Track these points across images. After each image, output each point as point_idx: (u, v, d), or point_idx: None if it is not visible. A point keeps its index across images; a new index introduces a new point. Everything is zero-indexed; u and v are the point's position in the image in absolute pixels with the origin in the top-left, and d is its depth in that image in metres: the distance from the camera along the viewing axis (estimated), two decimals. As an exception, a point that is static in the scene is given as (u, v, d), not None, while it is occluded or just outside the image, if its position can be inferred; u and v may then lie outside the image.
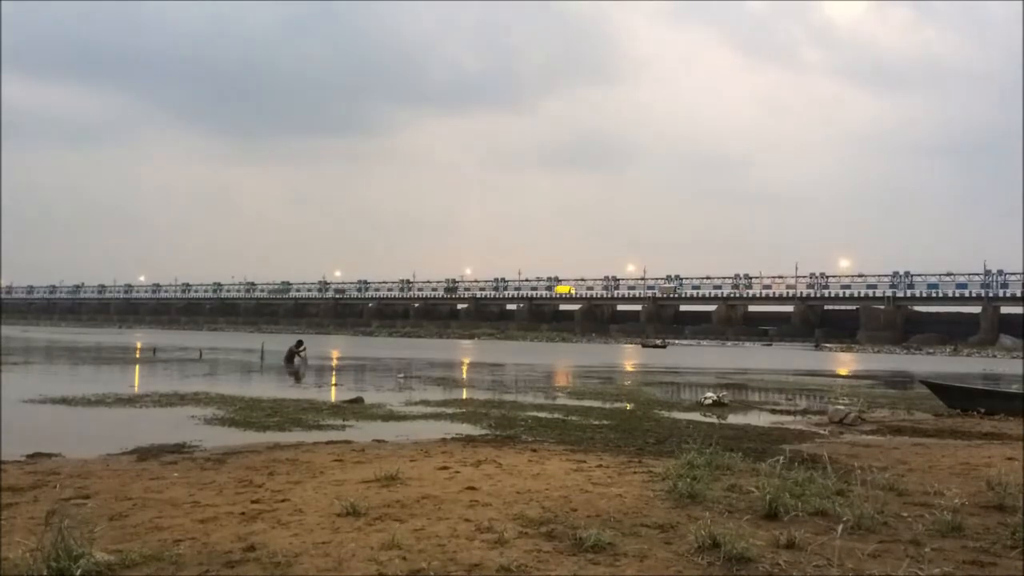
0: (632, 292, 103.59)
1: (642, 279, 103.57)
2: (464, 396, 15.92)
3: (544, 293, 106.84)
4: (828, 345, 74.83)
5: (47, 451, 7.88)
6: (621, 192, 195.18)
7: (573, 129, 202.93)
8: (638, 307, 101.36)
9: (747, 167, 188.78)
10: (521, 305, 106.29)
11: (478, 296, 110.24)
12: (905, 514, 5.16)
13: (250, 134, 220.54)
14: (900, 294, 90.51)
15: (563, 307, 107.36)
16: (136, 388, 16.51)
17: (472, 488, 5.84)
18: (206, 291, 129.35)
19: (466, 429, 10.44)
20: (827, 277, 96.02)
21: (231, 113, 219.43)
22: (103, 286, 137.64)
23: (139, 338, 54.05)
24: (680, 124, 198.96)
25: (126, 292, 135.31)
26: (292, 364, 25.23)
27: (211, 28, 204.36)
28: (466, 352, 43.78)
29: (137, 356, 30.71)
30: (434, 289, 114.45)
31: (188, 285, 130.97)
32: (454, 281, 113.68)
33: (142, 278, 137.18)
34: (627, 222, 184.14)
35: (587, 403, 14.66)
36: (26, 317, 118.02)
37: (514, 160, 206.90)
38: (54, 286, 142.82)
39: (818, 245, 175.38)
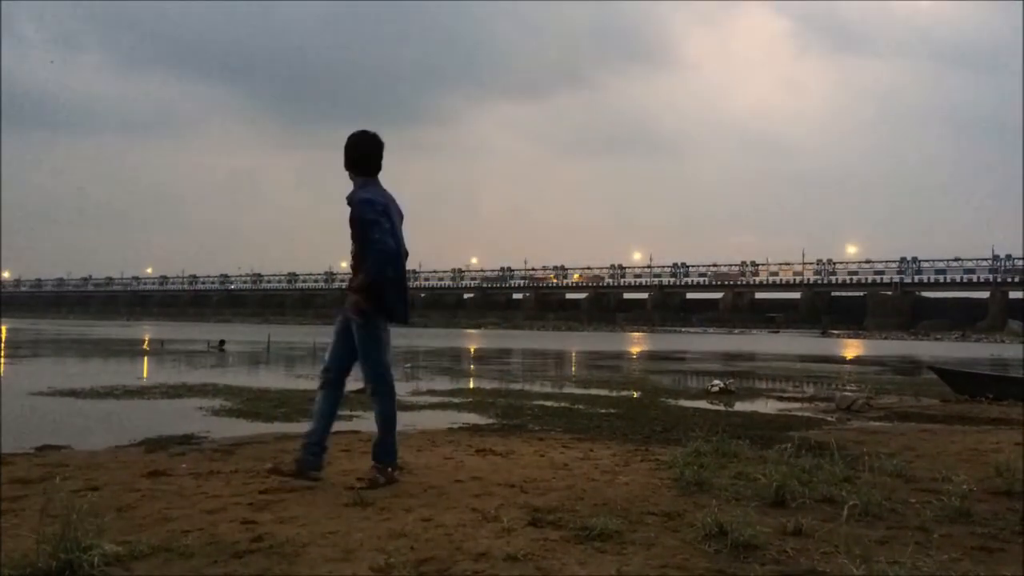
0: (638, 280, 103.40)
1: (648, 267, 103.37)
2: (471, 386, 15.94)
3: (550, 282, 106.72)
4: (835, 331, 74.65)
5: (56, 443, 7.93)
6: (645, 178, 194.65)
7: (603, 115, 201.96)
8: (644, 295, 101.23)
9: (781, 153, 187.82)
10: (528, 294, 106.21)
11: (484, 286, 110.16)
12: (913, 500, 5.16)
13: (304, 124, 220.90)
14: (908, 280, 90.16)
15: (569, 296, 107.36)
16: (144, 380, 16.57)
17: (478, 477, 5.85)
18: (213, 283, 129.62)
19: (473, 418, 10.45)
20: (834, 264, 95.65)
21: (293, 104, 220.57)
22: (111, 278, 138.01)
23: (147, 330, 54.27)
24: (720, 107, 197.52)
25: (133, 284, 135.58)
26: (222, 350, 27.67)
27: (277, 20, 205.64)
28: (473, 341, 43.82)
29: (145, 348, 30.84)
30: (440, 279, 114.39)
31: (195, 277, 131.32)
32: (459, 271, 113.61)
33: (149, 270, 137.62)
34: (641, 209, 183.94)
35: (594, 391, 14.67)
36: (34, 310, 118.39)
37: (540, 146, 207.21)
38: (61, 279, 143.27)
39: (833, 231, 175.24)
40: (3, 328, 51.76)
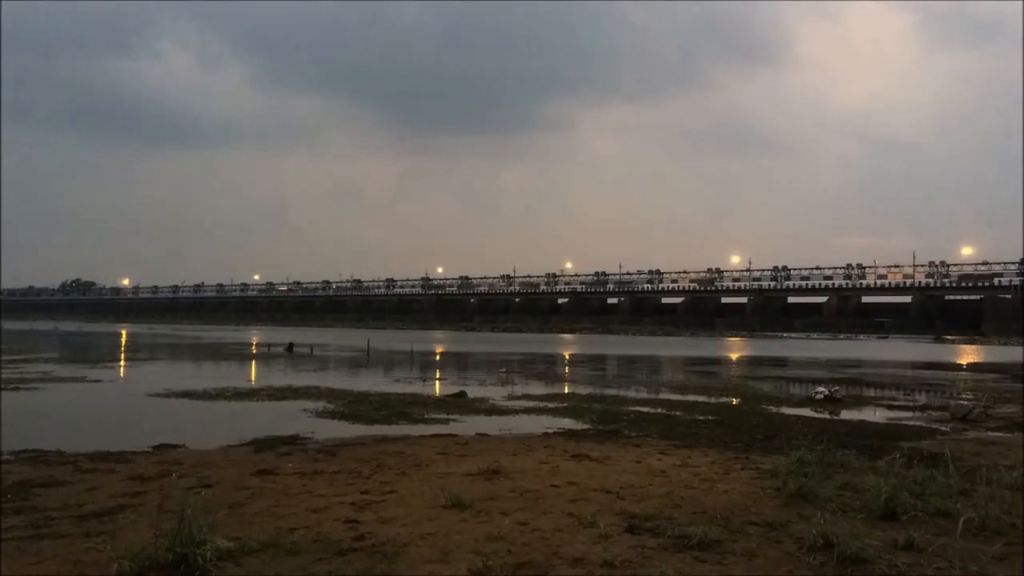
0: (737, 284, 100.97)
1: (747, 271, 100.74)
2: (566, 391, 15.93)
3: (646, 287, 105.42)
4: (949, 337, 70.95)
5: (172, 443, 8.36)
6: (750, 179, 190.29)
7: (713, 115, 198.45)
8: (744, 300, 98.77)
9: (894, 152, 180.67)
10: (622, 299, 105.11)
11: (579, 290, 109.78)
12: (1036, 516, 4.85)
13: (414, 134, 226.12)
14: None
15: (665, 300, 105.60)
16: (253, 382, 17.28)
17: (574, 483, 5.84)
18: (315, 289, 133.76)
19: (568, 423, 10.45)
20: (948, 266, 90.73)
21: (404, 113, 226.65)
22: (221, 285, 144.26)
23: (254, 335, 56.45)
24: (833, 105, 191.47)
25: (242, 291, 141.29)
26: (291, 352, 30.77)
27: (392, 30, 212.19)
28: (567, 346, 43.76)
29: (253, 352, 32.13)
30: (534, 284, 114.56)
31: (299, 283, 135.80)
32: (554, 275, 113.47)
33: (256, 277, 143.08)
34: (744, 211, 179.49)
35: (691, 398, 14.43)
36: (151, 316, 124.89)
37: (649, 149, 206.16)
38: (176, 286, 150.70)
39: (948, 232, 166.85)
40: (123, 332, 54.88)
